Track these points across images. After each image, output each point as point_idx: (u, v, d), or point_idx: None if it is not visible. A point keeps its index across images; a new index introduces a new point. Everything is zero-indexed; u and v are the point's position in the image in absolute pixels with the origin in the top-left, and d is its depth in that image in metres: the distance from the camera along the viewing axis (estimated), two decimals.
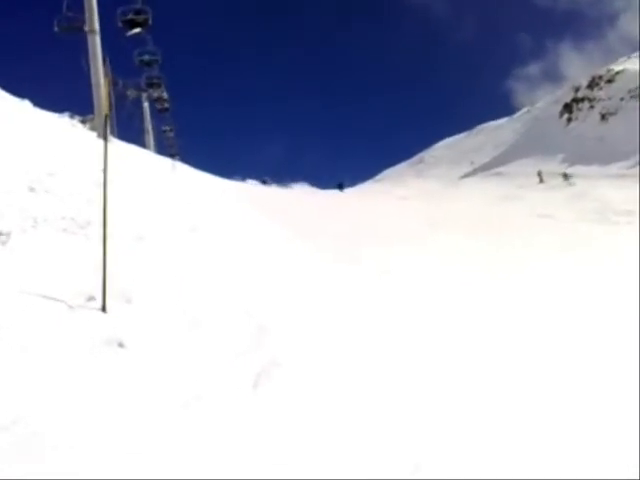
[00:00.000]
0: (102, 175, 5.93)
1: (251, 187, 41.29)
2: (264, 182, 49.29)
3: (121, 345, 4.75)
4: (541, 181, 41.47)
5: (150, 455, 3.39)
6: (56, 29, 25.97)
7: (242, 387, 4.51)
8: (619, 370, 5.89)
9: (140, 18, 30.09)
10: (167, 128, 51.42)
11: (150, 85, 44.21)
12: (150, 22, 30.35)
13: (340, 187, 41.14)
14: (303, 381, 4.78)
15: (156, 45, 40.80)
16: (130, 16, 30.01)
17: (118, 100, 38.34)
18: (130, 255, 7.24)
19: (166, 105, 47.47)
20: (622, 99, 67.05)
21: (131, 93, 43.96)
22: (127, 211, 9.14)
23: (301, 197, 33.05)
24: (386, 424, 4.22)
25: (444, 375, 5.44)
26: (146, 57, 40.07)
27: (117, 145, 21.16)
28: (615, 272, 11.76)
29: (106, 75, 25.22)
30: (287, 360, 5.14)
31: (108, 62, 27.24)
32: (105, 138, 6.30)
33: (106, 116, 6.51)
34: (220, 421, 3.90)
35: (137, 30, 30.66)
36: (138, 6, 30.02)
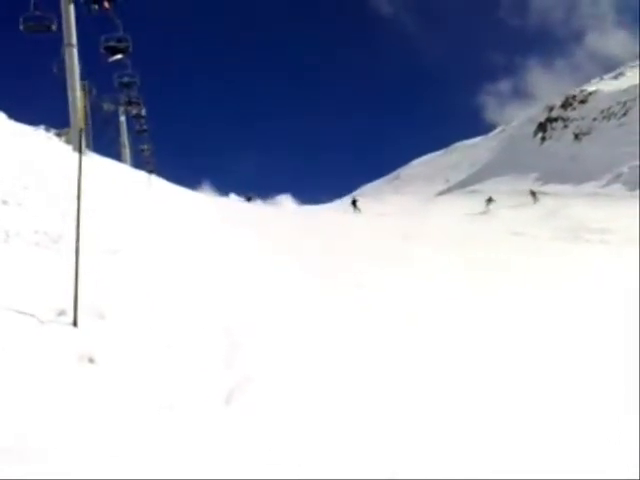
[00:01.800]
0: (76, 189, 5.89)
1: (229, 202, 41.21)
2: (249, 199, 47.09)
3: (92, 361, 4.69)
4: (535, 200, 41.23)
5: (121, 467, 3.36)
6: (22, 27, 26.65)
7: (215, 402, 4.50)
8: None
9: (121, 45, 32.20)
10: (145, 147, 52.12)
11: (129, 103, 46.12)
12: (130, 50, 32.61)
13: (354, 203, 41.26)
14: (275, 396, 4.78)
15: (135, 67, 43.77)
16: (112, 43, 32.04)
17: (94, 114, 38.90)
18: (103, 269, 7.18)
19: (144, 127, 50.04)
20: (595, 119, 68.30)
21: (108, 107, 44.63)
22: (101, 225, 9.07)
23: (282, 213, 33.06)
24: (357, 439, 4.22)
25: (417, 390, 5.46)
26: (125, 79, 43.01)
27: (93, 159, 21.01)
28: (591, 292, 11.93)
29: (83, 89, 25.13)
30: (260, 376, 5.13)
31: (88, 87, 27.89)
32: (80, 151, 6.27)
33: (81, 130, 6.48)
34: (192, 434, 3.87)
35: (118, 57, 32.93)
36: (120, 34, 31.93)
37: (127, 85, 43.88)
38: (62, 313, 5.43)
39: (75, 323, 5.32)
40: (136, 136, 50.57)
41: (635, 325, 8.09)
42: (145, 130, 50.69)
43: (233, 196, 51.21)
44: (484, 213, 39.18)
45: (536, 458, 4.04)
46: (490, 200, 40.87)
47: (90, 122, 35.15)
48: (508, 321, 8.85)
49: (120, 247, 8.56)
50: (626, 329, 8.16)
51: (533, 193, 42.40)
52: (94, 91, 39.75)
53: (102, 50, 31.99)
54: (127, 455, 3.49)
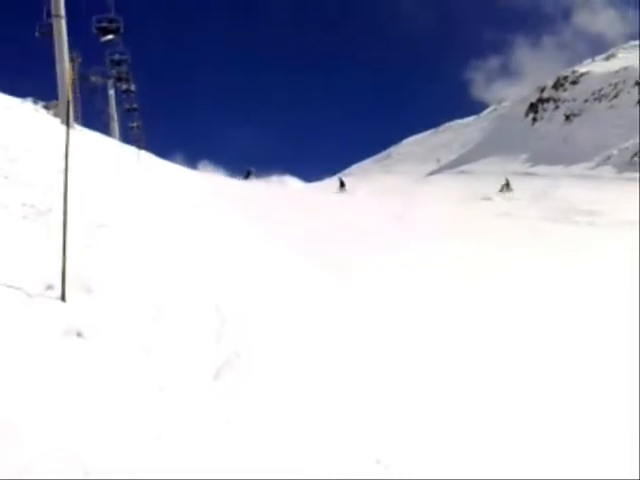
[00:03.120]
0: (64, 161, 5.80)
1: (220, 179, 40.97)
2: (248, 174, 45.22)
3: (80, 335, 4.65)
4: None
5: (113, 445, 3.34)
6: (37, 34, 27.90)
7: (203, 378, 4.49)
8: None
9: (113, 26, 33.81)
10: (134, 125, 51.71)
11: (119, 79, 45.84)
12: (122, 30, 34.42)
13: (342, 184, 40.84)
14: (264, 372, 4.77)
15: (127, 45, 46.24)
16: (104, 24, 33.75)
17: (83, 87, 38.82)
18: (92, 243, 7.11)
19: (135, 105, 49.40)
20: (586, 101, 68.24)
21: (96, 80, 44.29)
22: (90, 199, 8.98)
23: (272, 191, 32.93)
24: (346, 416, 4.23)
25: (406, 367, 5.48)
26: (116, 56, 43.26)
27: (81, 132, 20.82)
28: (583, 273, 12.01)
29: (71, 61, 24.81)
30: (249, 352, 5.12)
31: (77, 58, 28.10)
32: (67, 124, 6.16)
33: (68, 102, 6.36)
34: (182, 410, 3.86)
35: (110, 37, 34.54)
36: (111, 15, 33.43)
37: (118, 63, 44.03)
38: (50, 287, 5.37)
39: (63, 297, 5.27)
40: (126, 114, 50.29)
41: (635, 316, 8.08)
42: (135, 109, 50.04)
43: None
44: (502, 193, 38.69)
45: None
46: (508, 185, 40.21)
47: (79, 95, 34.97)
48: (500, 307, 8.89)
49: (109, 221, 8.48)
50: (624, 319, 8.17)
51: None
52: (80, 59, 39.83)
53: (94, 30, 33.53)
54: (111, 432, 3.47)
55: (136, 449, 3.35)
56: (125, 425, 3.55)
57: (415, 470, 3.74)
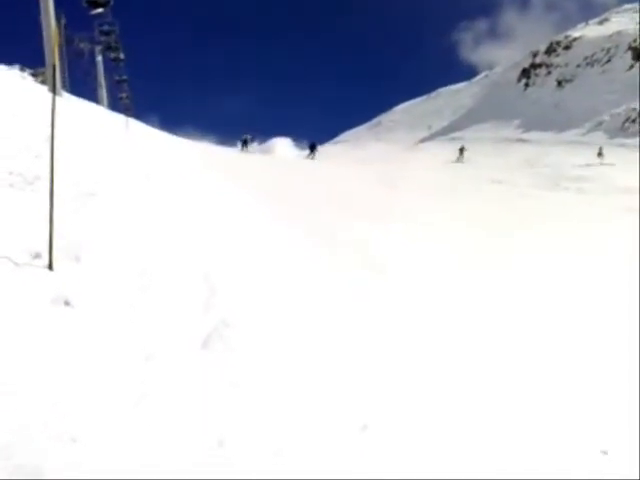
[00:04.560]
0: (50, 129, 5.74)
1: (210, 147, 40.61)
2: (245, 142, 42.43)
3: (67, 304, 4.67)
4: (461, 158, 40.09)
5: (99, 413, 3.37)
6: None
7: (191, 346, 4.51)
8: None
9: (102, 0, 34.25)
10: (123, 95, 51.55)
11: (108, 48, 45.84)
12: (111, 3, 34.18)
13: (312, 148, 39.11)
14: (253, 341, 4.80)
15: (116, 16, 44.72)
16: None
17: (70, 52, 38.63)
18: (80, 212, 7.08)
19: (124, 77, 49.89)
20: (578, 66, 67.81)
21: (84, 46, 43.98)
22: (78, 167, 8.91)
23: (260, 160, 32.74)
24: (333, 385, 4.27)
25: (391, 338, 5.52)
26: (105, 27, 43.55)
27: (69, 100, 20.54)
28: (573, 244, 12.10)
29: (57, 25, 24.40)
30: (237, 321, 5.14)
31: (63, 21, 27.71)
32: (53, 89, 6.10)
33: (54, 67, 6.27)
34: (167, 379, 3.90)
35: (99, 10, 34.81)
36: None
37: (107, 33, 44.30)
38: (37, 256, 5.36)
39: (50, 266, 5.27)
40: (115, 85, 50.29)
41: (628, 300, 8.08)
42: (125, 80, 50.33)
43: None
44: (458, 161, 38.84)
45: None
46: (462, 149, 40.49)
47: (66, 61, 34.60)
48: (481, 276, 8.94)
49: (97, 190, 8.43)
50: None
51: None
52: (65, 22, 39.74)
53: (84, 3, 33.42)
54: (97, 401, 3.50)
55: (121, 417, 3.39)
56: (111, 393, 3.58)
57: (394, 431, 3.80)
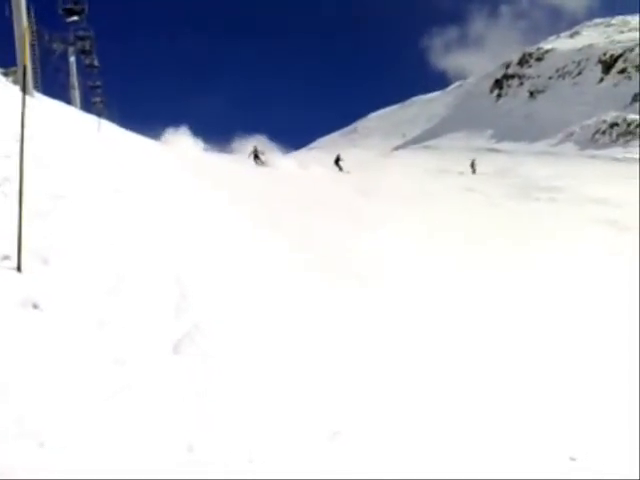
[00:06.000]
0: (20, 129, 5.64)
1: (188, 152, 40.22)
2: (256, 155, 34.80)
3: (36, 306, 4.58)
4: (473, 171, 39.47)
5: (67, 417, 3.31)
6: None
7: (163, 351, 4.45)
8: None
9: (78, 8, 35.94)
10: (97, 100, 51.36)
11: (83, 52, 46.04)
12: (86, 11, 36.76)
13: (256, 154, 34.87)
14: (225, 346, 4.76)
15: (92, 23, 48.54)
16: (69, 5, 35.95)
17: (44, 55, 38.81)
18: (50, 214, 6.97)
19: (98, 82, 49.97)
20: (550, 78, 68.92)
21: (57, 47, 43.81)
22: (49, 168, 8.78)
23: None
24: (304, 391, 4.25)
25: (361, 337, 5.52)
26: (80, 33, 44.21)
27: (41, 100, 20.27)
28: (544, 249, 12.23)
29: (29, 23, 24.13)
30: (210, 326, 5.09)
31: (33, 14, 27.50)
32: (24, 90, 5.98)
33: (25, 67, 6.18)
34: (137, 383, 3.84)
35: (75, 18, 36.81)
36: None
37: (82, 38, 44.66)
38: (6, 258, 5.26)
39: (19, 268, 5.17)
40: (90, 90, 50.27)
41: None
42: (99, 86, 50.34)
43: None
44: (472, 173, 38.08)
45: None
46: (473, 164, 39.59)
47: (38, 62, 34.17)
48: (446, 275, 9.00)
49: (67, 192, 8.31)
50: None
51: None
52: (46, 36, 40.01)
53: (60, 11, 35.69)
54: (65, 405, 3.44)
55: (88, 421, 3.33)
56: (79, 397, 3.52)
57: (363, 439, 3.79)
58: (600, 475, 3.96)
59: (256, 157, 33.28)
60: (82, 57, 46.88)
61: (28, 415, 3.24)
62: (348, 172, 34.01)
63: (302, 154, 57.82)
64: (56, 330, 4.33)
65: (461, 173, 36.00)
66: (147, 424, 3.45)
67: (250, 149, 34.22)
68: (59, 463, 2.96)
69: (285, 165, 32.78)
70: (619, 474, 3.96)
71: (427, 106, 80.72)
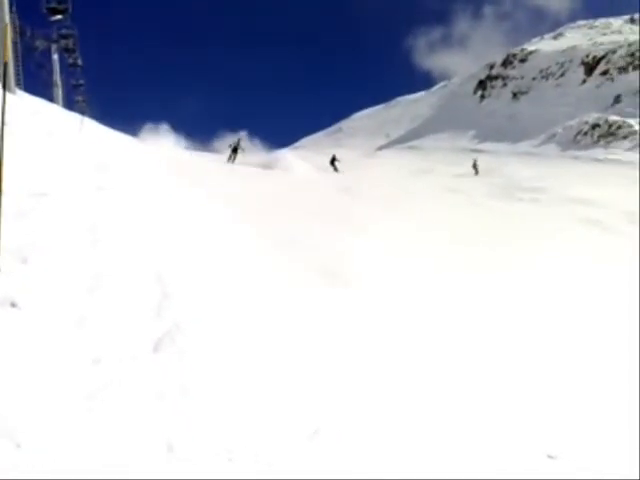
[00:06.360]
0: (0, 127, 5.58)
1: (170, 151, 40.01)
2: (235, 150, 33.28)
3: (14, 305, 4.53)
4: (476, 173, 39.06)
5: (44, 417, 3.28)
6: None
7: (143, 350, 4.43)
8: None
9: (61, 7, 36.05)
10: (80, 99, 51.23)
11: (66, 51, 45.86)
12: (70, 10, 36.78)
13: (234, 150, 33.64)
14: (205, 344, 4.74)
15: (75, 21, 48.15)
16: (53, 5, 35.96)
17: (26, 52, 38.59)
18: (31, 212, 6.91)
19: (81, 81, 49.82)
20: (534, 79, 69.47)
21: (40, 44, 43.59)
22: (29, 166, 8.71)
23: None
24: (284, 389, 4.25)
25: (341, 336, 5.52)
26: (64, 31, 44.00)
27: (22, 98, 20.06)
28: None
29: (11, 20, 23.91)
30: (190, 325, 5.07)
31: (15, 10, 27.39)
32: (4, 86, 5.92)
33: (5, 64, 6.11)
34: (116, 382, 3.81)
35: (58, 17, 36.87)
36: None
37: (65, 37, 44.43)
38: None
39: None
40: (72, 89, 50.10)
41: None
42: (81, 84, 50.09)
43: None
44: (476, 174, 37.78)
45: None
46: (475, 164, 39.15)
47: (20, 58, 33.84)
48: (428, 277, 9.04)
49: (48, 190, 8.24)
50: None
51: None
52: (28, 32, 39.91)
53: (44, 10, 35.64)
54: (42, 405, 3.41)
55: (66, 421, 3.30)
56: (57, 397, 3.49)
57: (342, 437, 3.80)
58: (599, 475, 3.98)
59: (234, 151, 32.41)
60: (65, 55, 46.68)
61: (4, 415, 3.21)
62: (342, 172, 33.73)
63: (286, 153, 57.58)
64: (34, 329, 4.29)
65: (460, 175, 35.82)
66: (126, 423, 3.42)
67: (230, 144, 33.48)
68: (37, 463, 2.94)
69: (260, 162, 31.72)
70: (619, 474, 3.97)
71: (411, 106, 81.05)
